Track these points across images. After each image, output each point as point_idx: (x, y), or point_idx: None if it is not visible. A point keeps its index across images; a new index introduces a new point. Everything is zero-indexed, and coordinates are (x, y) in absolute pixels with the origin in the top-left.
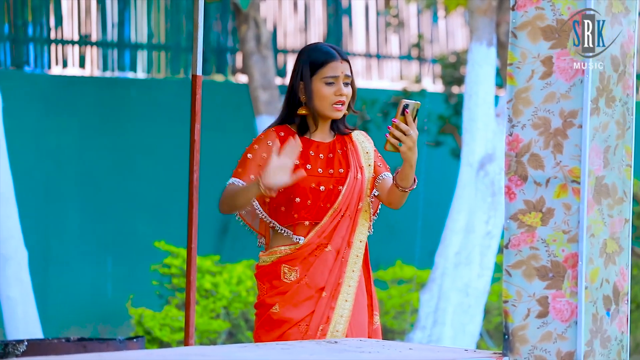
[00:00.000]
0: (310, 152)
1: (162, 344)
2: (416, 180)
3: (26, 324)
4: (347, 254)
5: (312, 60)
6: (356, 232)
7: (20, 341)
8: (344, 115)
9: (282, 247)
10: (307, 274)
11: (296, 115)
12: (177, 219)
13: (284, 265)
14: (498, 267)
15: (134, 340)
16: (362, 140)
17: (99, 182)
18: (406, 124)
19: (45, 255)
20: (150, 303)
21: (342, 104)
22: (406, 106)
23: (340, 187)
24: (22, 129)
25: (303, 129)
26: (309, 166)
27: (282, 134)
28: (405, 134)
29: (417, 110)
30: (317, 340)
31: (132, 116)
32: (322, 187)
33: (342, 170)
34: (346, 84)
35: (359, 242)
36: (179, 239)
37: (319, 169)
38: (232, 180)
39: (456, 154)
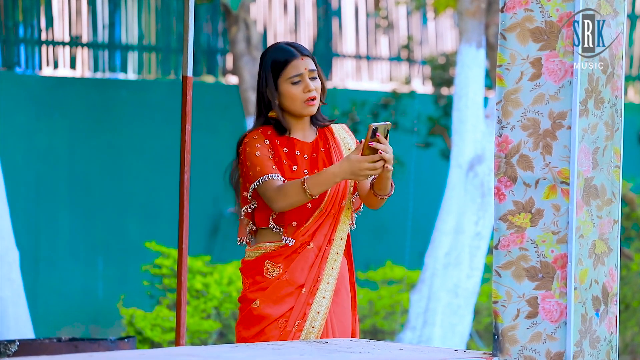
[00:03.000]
0: (296, 152)
1: (153, 344)
2: (393, 186)
3: (17, 324)
4: (327, 251)
5: (273, 62)
6: (338, 229)
7: (12, 341)
8: (319, 108)
9: (268, 244)
10: (287, 270)
11: (270, 118)
12: (168, 220)
13: (267, 261)
14: (488, 268)
15: (125, 340)
16: (344, 137)
17: (90, 183)
18: (369, 146)
19: (37, 256)
20: (141, 303)
21: (313, 99)
22: (375, 129)
23: None
24: (13, 129)
25: (282, 130)
26: (295, 167)
27: (270, 132)
28: (382, 154)
29: (388, 131)
30: (308, 341)
31: (123, 117)
32: None
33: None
34: (313, 79)
35: (339, 239)
36: (169, 240)
37: (305, 170)
38: (266, 177)
39: (446, 155)
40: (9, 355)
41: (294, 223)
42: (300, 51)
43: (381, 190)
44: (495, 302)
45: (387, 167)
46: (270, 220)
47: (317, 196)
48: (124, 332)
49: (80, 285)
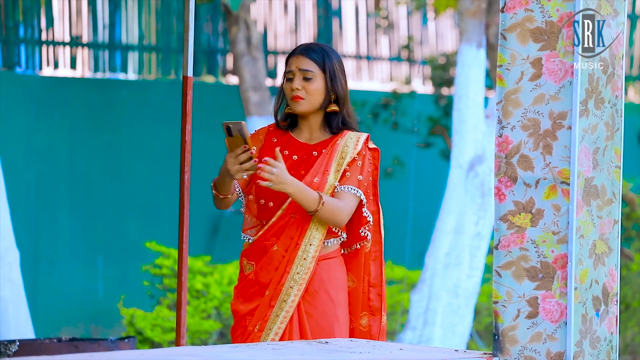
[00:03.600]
0: (285, 151)
1: (153, 344)
2: (323, 203)
3: (18, 324)
4: (294, 256)
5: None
6: (307, 235)
7: (12, 341)
8: (339, 113)
9: (246, 241)
10: (256, 269)
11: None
12: (168, 220)
13: (243, 258)
14: (488, 268)
15: (126, 340)
16: (346, 145)
17: (90, 183)
18: (237, 145)
19: (37, 256)
20: (142, 303)
21: (297, 97)
22: (228, 127)
23: None
24: (13, 130)
25: (293, 126)
26: None
27: (271, 129)
28: (246, 158)
29: (241, 129)
30: (308, 341)
31: (123, 117)
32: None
33: (302, 172)
34: (306, 79)
35: (309, 245)
36: (170, 240)
37: None
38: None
39: (446, 155)
40: (9, 355)
41: (264, 222)
42: (302, 50)
43: (304, 208)
44: (496, 302)
45: (260, 168)
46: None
47: (225, 191)
48: (124, 332)
49: (80, 285)
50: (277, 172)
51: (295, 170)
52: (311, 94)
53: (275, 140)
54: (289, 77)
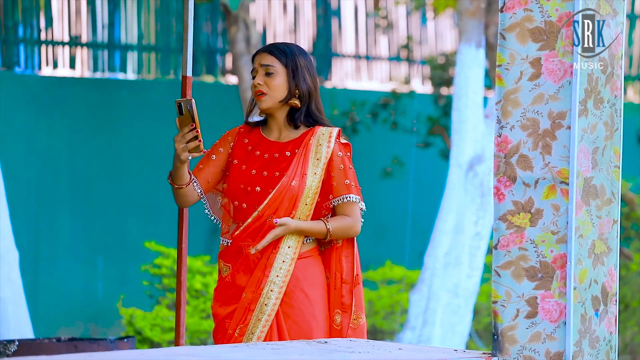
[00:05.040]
0: (256, 152)
1: (152, 344)
2: (329, 229)
3: (17, 324)
4: (273, 259)
5: None
6: (285, 238)
7: (12, 341)
8: (302, 108)
9: (222, 242)
10: (232, 271)
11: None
12: (168, 220)
13: (220, 260)
14: (487, 268)
15: (125, 340)
16: (319, 144)
17: (89, 183)
18: (186, 124)
19: (36, 256)
20: (141, 303)
21: (259, 93)
22: (179, 106)
23: (271, 190)
24: (13, 129)
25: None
26: (243, 167)
27: (242, 130)
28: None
29: (190, 108)
30: (308, 341)
31: (123, 117)
32: (249, 188)
33: (277, 174)
34: (268, 74)
35: (287, 247)
36: (169, 240)
37: (253, 170)
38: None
39: (445, 155)
40: (8, 355)
41: (236, 224)
42: (264, 48)
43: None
44: (495, 302)
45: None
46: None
47: (178, 180)
48: (123, 332)
49: (79, 285)
50: (283, 230)
51: (267, 169)
52: (273, 89)
53: (247, 140)
54: (253, 74)
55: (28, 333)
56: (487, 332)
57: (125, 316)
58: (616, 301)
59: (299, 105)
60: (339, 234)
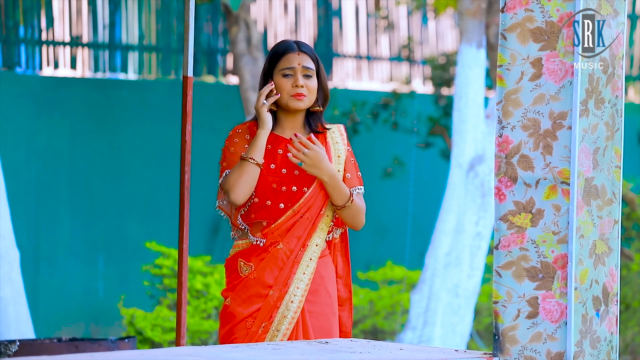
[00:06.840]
0: (279, 150)
1: (153, 344)
2: (352, 197)
3: (18, 324)
4: (300, 256)
5: (272, 54)
6: (314, 235)
7: (12, 341)
8: (319, 113)
9: (241, 242)
10: (257, 269)
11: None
12: (169, 220)
13: (240, 259)
14: (488, 268)
15: (126, 340)
16: (336, 142)
17: (90, 183)
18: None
19: (37, 256)
20: (142, 303)
21: (300, 95)
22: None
23: (305, 189)
24: (14, 129)
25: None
26: (272, 165)
27: (252, 126)
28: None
29: None
30: (308, 341)
31: (123, 117)
32: (283, 188)
33: (297, 172)
34: (307, 76)
35: (314, 245)
36: (170, 240)
37: (283, 170)
38: (227, 172)
39: (446, 155)
40: (9, 355)
41: (264, 222)
42: (300, 47)
43: (334, 200)
44: (496, 302)
45: (290, 143)
46: (238, 217)
47: (261, 160)
48: (124, 332)
49: (80, 285)
50: (310, 154)
51: (297, 167)
52: (311, 91)
53: None
54: (287, 73)
55: (29, 333)
56: (488, 332)
57: (126, 316)
58: (617, 301)
59: (322, 110)
60: (354, 211)
